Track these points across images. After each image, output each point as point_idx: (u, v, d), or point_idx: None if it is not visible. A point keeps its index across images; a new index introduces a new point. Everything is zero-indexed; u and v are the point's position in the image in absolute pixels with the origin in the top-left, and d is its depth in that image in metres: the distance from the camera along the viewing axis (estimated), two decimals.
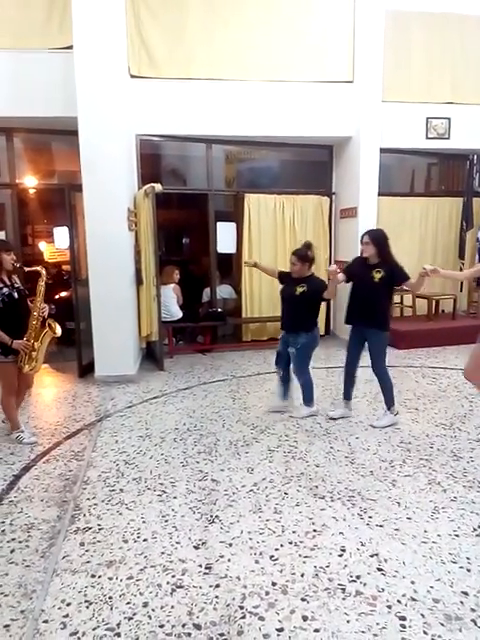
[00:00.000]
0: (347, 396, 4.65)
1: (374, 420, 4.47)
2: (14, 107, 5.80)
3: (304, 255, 4.39)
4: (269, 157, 8.44)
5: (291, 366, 4.59)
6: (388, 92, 6.95)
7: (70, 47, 5.45)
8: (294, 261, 4.40)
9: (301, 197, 7.51)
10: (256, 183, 8.39)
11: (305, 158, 8.22)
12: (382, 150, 6.98)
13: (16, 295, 3.93)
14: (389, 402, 4.46)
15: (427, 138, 7.41)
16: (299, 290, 4.37)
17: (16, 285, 3.98)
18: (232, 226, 7.49)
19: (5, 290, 3.85)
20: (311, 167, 8.39)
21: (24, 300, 4.01)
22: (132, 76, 6.34)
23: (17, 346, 3.84)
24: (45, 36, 5.90)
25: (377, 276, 4.19)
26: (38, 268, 4.08)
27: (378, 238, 4.28)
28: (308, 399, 4.63)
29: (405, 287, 4.40)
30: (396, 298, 7.77)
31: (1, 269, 3.87)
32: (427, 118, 7.35)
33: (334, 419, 4.54)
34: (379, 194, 7.10)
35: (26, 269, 4.16)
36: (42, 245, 10.02)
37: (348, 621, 2.16)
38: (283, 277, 4.66)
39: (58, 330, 4.01)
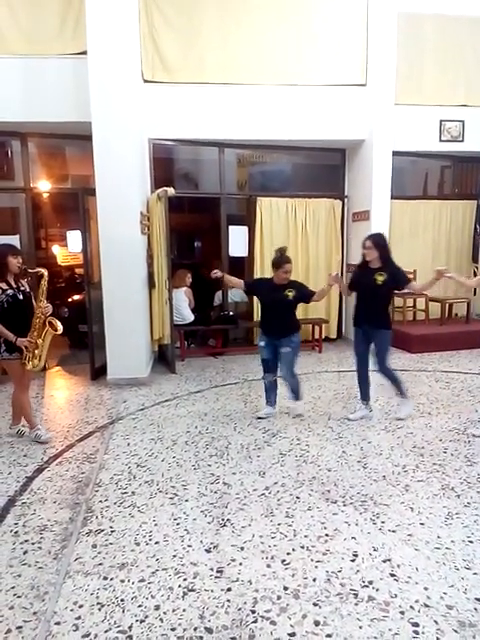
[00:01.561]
0: (365, 397, 4.71)
1: (397, 413, 4.64)
2: (28, 112, 5.87)
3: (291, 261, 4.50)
4: (281, 160, 8.44)
5: (280, 370, 4.64)
6: (401, 95, 6.95)
7: (84, 53, 5.50)
8: (290, 269, 4.43)
9: (313, 200, 7.51)
10: (268, 186, 8.39)
11: (317, 161, 8.21)
12: (395, 153, 6.96)
13: (21, 297, 4.05)
14: (402, 392, 4.63)
15: (440, 141, 7.39)
16: (290, 294, 4.43)
17: (22, 288, 4.10)
18: (244, 230, 7.49)
19: (9, 291, 3.99)
20: (323, 170, 8.38)
21: (30, 302, 4.13)
22: (145, 81, 6.39)
23: (20, 343, 3.97)
24: (59, 42, 5.96)
25: (380, 279, 4.32)
26: (40, 269, 4.20)
27: (379, 242, 4.40)
28: (299, 395, 4.75)
29: (407, 289, 4.52)
30: (409, 302, 7.73)
31: (8, 271, 4.00)
32: (440, 121, 7.32)
33: (353, 420, 4.58)
34: (392, 197, 7.08)
35: (29, 271, 4.29)
36: (55, 248, 10.11)
37: (360, 627, 2.14)
38: (258, 286, 4.77)
39: (59, 328, 4.11)
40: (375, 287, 4.34)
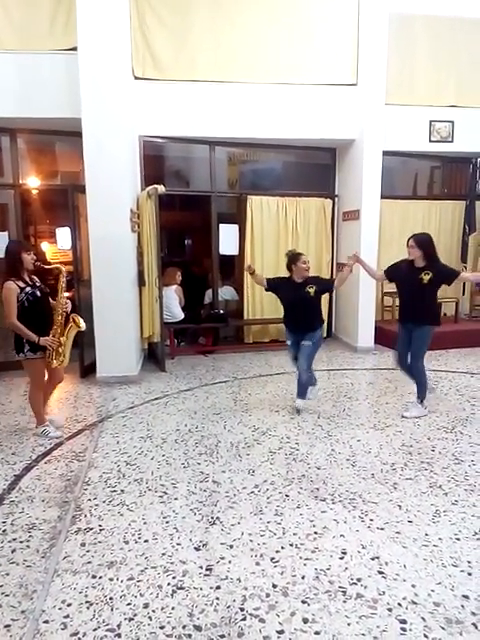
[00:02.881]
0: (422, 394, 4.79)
1: (404, 411, 4.74)
2: (18, 108, 5.82)
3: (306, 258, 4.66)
4: (272, 159, 8.44)
5: (299, 361, 4.71)
6: (392, 95, 6.97)
7: (75, 48, 5.47)
8: (307, 260, 4.62)
9: (304, 199, 7.52)
10: (259, 185, 8.39)
11: (308, 160, 8.23)
12: (385, 153, 6.99)
13: (39, 294, 4.03)
14: (422, 395, 4.72)
15: (430, 141, 7.42)
16: (311, 291, 4.56)
17: (37, 284, 4.08)
18: (234, 228, 7.49)
19: (28, 289, 3.95)
20: (314, 169, 8.39)
21: (46, 298, 4.11)
22: (136, 78, 6.36)
23: (44, 342, 3.95)
24: (50, 38, 5.91)
25: (426, 278, 4.44)
26: (57, 265, 4.19)
27: (422, 242, 4.50)
28: (306, 393, 4.84)
29: (456, 281, 4.70)
30: (397, 301, 7.76)
31: (23, 268, 3.97)
32: (430, 121, 7.36)
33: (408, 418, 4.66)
34: (382, 197, 7.10)
35: (45, 267, 4.29)
36: (44, 246, 10.04)
37: (349, 624, 2.16)
38: (279, 285, 4.78)
39: (82, 324, 4.11)
40: (421, 286, 4.46)
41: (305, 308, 4.62)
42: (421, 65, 7.26)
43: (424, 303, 4.55)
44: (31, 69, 5.82)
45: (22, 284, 3.94)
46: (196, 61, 6.51)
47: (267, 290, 4.82)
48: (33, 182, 7.18)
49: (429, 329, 4.58)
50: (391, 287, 7.43)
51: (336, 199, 7.76)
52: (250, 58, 6.62)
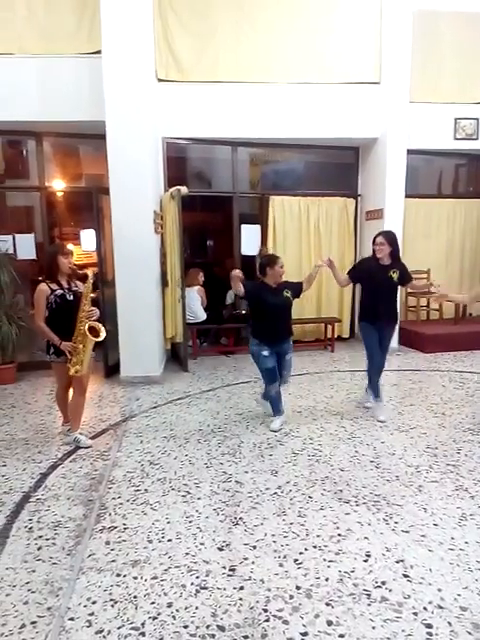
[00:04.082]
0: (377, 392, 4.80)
1: (378, 416, 4.65)
2: (44, 112, 5.91)
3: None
4: (294, 159, 8.41)
5: (283, 377, 4.48)
6: (415, 93, 6.89)
7: (98, 52, 5.53)
8: (283, 264, 4.30)
9: (326, 199, 7.48)
10: (281, 185, 8.36)
11: (330, 160, 8.17)
12: (409, 151, 6.91)
13: (70, 297, 3.98)
14: (377, 391, 4.77)
15: (455, 139, 7.33)
16: (288, 295, 4.31)
17: (73, 288, 4.04)
18: (256, 228, 7.48)
19: (58, 292, 3.94)
20: (336, 169, 8.34)
21: (80, 303, 3.98)
22: (159, 80, 6.40)
23: (64, 347, 3.91)
24: (74, 42, 5.99)
25: (395, 276, 4.46)
26: (86, 271, 4.12)
27: (393, 239, 4.50)
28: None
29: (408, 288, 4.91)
30: (422, 301, 7.68)
31: (58, 271, 3.97)
32: (455, 119, 7.26)
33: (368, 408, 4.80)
34: (406, 196, 7.03)
35: (78, 272, 4.24)
36: (69, 247, 10.16)
37: (373, 627, 2.14)
38: (260, 292, 4.27)
39: (102, 334, 3.96)
40: (391, 284, 4.49)
41: (283, 314, 4.35)
42: (445, 62, 7.16)
43: (394, 301, 4.67)
44: (56, 73, 5.92)
45: (54, 286, 3.93)
46: (218, 62, 6.53)
47: (244, 297, 4.39)
48: (58, 185, 7.29)
49: (396, 328, 4.78)
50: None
51: (359, 198, 7.70)
52: (272, 58, 6.61)
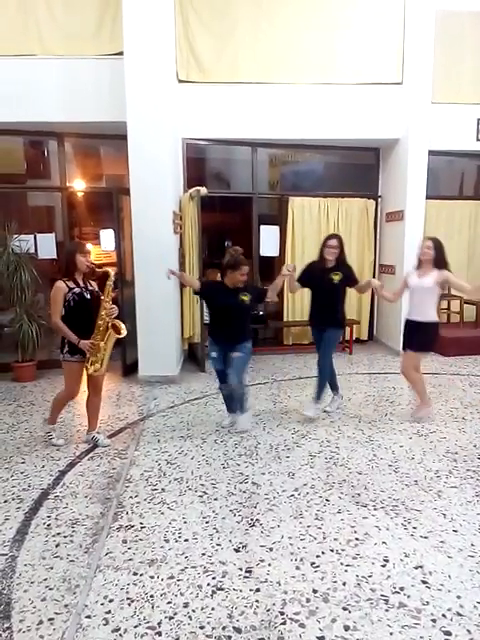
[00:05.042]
0: (335, 388, 4.84)
1: (326, 407, 4.79)
2: (66, 112, 5.98)
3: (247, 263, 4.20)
4: (314, 160, 8.37)
5: (229, 377, 4.26)
6: (438, 93, 6.82)
7: (120, 53, 5.57)
8: (247, 271, 4.14)
9: (346, 200, 7.44)
10: (300, 186, 8.33)
11: (351, 160, 8.12)
12: (430, 152, 6.83)
13: (88, 296, 3.96)
14: (319, 395, 4.65)
15: (477, 140, 7.21)
16: (245, 299, 4.13)
17: (90, 287, 4.03)
18: (275, 229, 7.47)
19: (76, 290, 3.91)
20: (357, 170, 8.28)
21: (96, 302, 3.99)
22: (180, 81, 6.43)
23: (83, 346, 3.87)
24: (96, 43, 6.04)
25: (336, 278, 4.39)
26: (107, 269, 4.09)
27: (342, 243, 4.50)
28: (245, 407, 4.40)
29: (356, 290, 4.76)
30: (443, 304, 7.59)
31: (76, 270, 3.94)
32: (478, 119, 7.15)
33: (331, 412, 4.76)
34: (427, 197, 6.95)
35: (98, 270, 4.21)
36: (89, 246, 10.26)
37: (391, 633, 2.11)
38: (212, 289, 4.34)
39: (123, 331, 3.97)
40: (333, 287, 4.43)
41: (237, 316, 4.16)
42: (468, 62, 7.06)
43: (336, 305, 4.54)
44: (77, 74, 5.97)
45: (72, 284, 3.90)
46: (238, 63, 6.53)
47: (197, 293, 4.43)
48: (79, 185, 7.36)
49: (340, 332, 4.68)
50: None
51: (379, 200, 7.64)
52: (292, 58, 6.59)
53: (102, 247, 9.45)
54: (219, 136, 6.77)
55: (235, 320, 4.16)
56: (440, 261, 4.35)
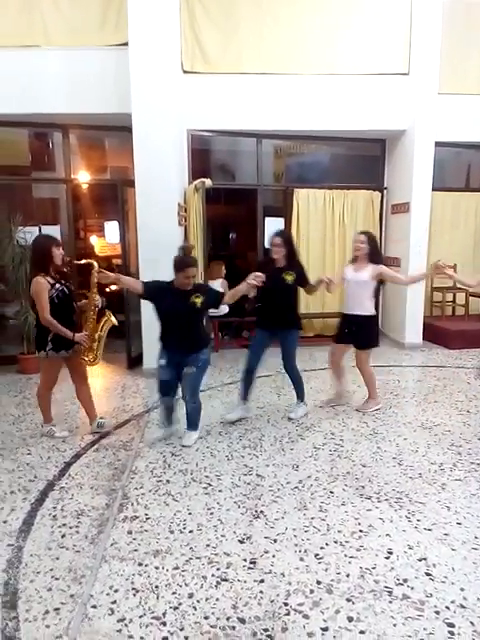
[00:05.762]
0: (245, 396, 4.52)
1: (290, 413, 4.54)
2: (70, 104, 5.94)
3: (196, 264, 3.87)
4: (319, 151, 8.33)
5: (182, 390, 3.91)
6: (444, 84, 6.75)
7: (125, 44, 5.53)
8: (193, 274, 3.73)
9: (351, 192, 7.40)
10: (305, 178, 8.30)
11: (356, 152, 8.08)
12: (437, 143, 6.78)
13: (67, 291, 3.94)
14: (302, 395, 4.57)
15: None
16: (197, 301, 3.73)
17: (63, 280, 3.97)
18: (280, 221, 7.44)
19: (58, 286, 3.86)
20: (362, 161, 8.24)
21: (73, 295, 4.01)
22: (185, 72, 6.38)
23: (79, 338, 3.87)
24: (101, 34, 6.00)
25: (289, 278, 4.18)
26: (90, 260, 4.00)
27: (289, 239, 4.31)
28: (197, 423, 4.07)
29: (305, 291, 4.48)
30: (448, 296, 7.57)
31: (51, 264, 3.85)
32: None
33: (233, 422, 4.39)
34: (433, 189, 6.91)
35: (77, 263, 4.19)
36: (93, 239, 10.27)
37: (394, 625, 2.12)
38: (158, 291, 3.81)
39: (114, 319, 4.04)
40: (286, 287, 4.21)
41: (187, 322, 3.77)
42: (475, 52, 7.00)
43: (291, 306, 4.34)
44: (82, 65, 5.93)
45: (52, 280, 3.82)
46: (244, 53, 6.48)
47: (141, 296, 3.92)
48: (83, 177, 7.35)
49: (298, 334, 4.42)
50: (441, 282, 7.28)
51: (385, 191, 7.60)
52: (298, 49, 6.54)
53: (107, 239, 9.47)
54: (224, 127, 6.73)
55: (185, 326, 3.76)
56: (374, 255, 4.35)
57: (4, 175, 6.77)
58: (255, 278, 3.72)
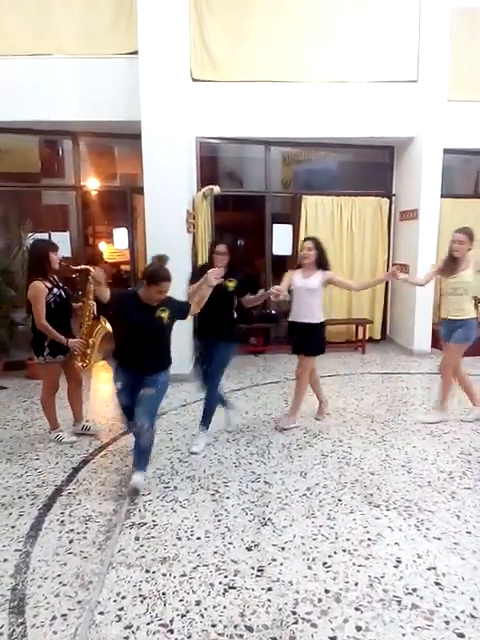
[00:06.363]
0: (207, 422, 4.13)
1: (192, 447, 3.98)
2: (80, 111, 6.00)
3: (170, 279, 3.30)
4: (327, 158, 8.35)
5: (136, 416, 3.30)
6: (453, 91, 6.75)
7: (135, 52, 5.58)
8: (166, 289, 3.26)
9: (360, 199, 7.39)
10: (313, 185, 8.31)
11: (364, 159, 8.08)
12: (446, 150, 6.77)
13: (64, 295, 3.98)
14: (207, 421, 4.12)
15: None
16: (164, 315, 3.28)
17: (61, 284, 4.01)
18: (288, 228, 7.46)
19: (55, 291, 3.89)
20: (370, 168, 8.23)
21: (69, 300, 4.04)
22: (194, 79, 6.43)
23: (73, 344, 3.89)
24: (111, 42, 6.06)
25: (231, 285, 3.86)
26: (86, 267, 3.96)
27: (233, 245, 4.01)
28: (147, 460, 3.46)
29: (244, 302, 4.04)
30: None
31: (49, 268, 3.87)
32: None
33: (197, 454, 3.93)
34: (441, 196, 6.89)
35: (73, 268, 4.14)
36: (102, 245, 10.33)
37: (404, 634, 2.10)
38: (124, 301, 3.35)
39: (108, 325, 3.96)
40: (226, 294, 3.86)
41: (153, 338, 3.32)
42: None
43: (230, 315, 4.03)
44: (92, 73, 5.99)
45: (49, 285, 3.85)
46: (253, 61, 6.52)
47: (105, 306, 3.42)
48: (93, 184, 7.40)
49: (235, 347, 4.11)
50: None
51: (393, 198, 7.59)
52: (307, 56, 6.56)
53: (115, 246, 9.52)
54: (233, 134, 6.77)
55: (149, 343, 3.30)
56: (322, 261, 4.21)
57: (14, 182, 6.84)
58: (214, 274, 3.43)
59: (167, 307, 3.30)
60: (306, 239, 4.37)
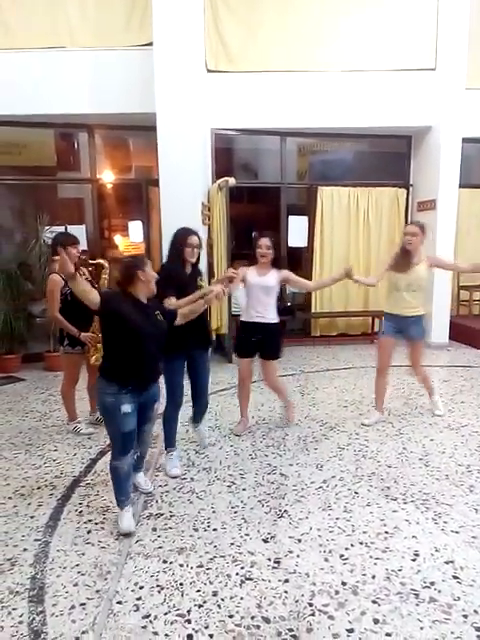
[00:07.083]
0: (173, 443, 3.65)
1: (171, 470, 3.49)
2: (96, 104, 6.02)
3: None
4: (343, 148, 8.26)
5: (143, 438, 3.05)
6: (472, 79, 6.64)
7: (150, 44, 5.57)
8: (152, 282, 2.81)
9: (376, 189, 7.33)
10: (329, 175, 8.23)
11: (381, 149, 7.99)
12: (464, 139, 6.67)
13: None
14: (172, 443, 3.65)
15: None
16: (160, 319, 2.87)
17: (86, 278, 3.99)
18: (304, 220, 7.41)
19: None
20: (387, 158, 8.14)
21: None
22: (209, 71, 6.39)
23: (84, 338, 3.95)
24: (125, 34, 6.06)
25: (204, 285, 3.57)
26: (101, 261, 4.09)
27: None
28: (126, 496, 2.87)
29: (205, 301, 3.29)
30: (475, 295, 7.44)
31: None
32: None
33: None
34: (460, 186, 6.79)
35: (89, 261, 4.20)
36: (117, 238, 10.36)
37: (422, 628, 2.09)
38: (122, 302, 2.72)
39: None
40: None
41: (157, 344, 2.85)
42: None
43: (206, 318, 3.69)
44: (107, 65, 6.00)
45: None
46: (268, 51, 6.46)
47: (98, 313, 2.74)
48: (108, 176, 7.41)
49: (208, 354, 3.75)
50: (468, 279, 7.16)
51: (410, 188, 7.50)
52: (322, 45, 6.50)
53: (130, 238, 9.52)
54: (248, 126, 6.74)
55: (155, 350, 2.85)
56: (277, 260, 4.00)
57: (30, 176, 6.88)
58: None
59: (159, 311, 2.89)
60: (263, 236, 3.99)
